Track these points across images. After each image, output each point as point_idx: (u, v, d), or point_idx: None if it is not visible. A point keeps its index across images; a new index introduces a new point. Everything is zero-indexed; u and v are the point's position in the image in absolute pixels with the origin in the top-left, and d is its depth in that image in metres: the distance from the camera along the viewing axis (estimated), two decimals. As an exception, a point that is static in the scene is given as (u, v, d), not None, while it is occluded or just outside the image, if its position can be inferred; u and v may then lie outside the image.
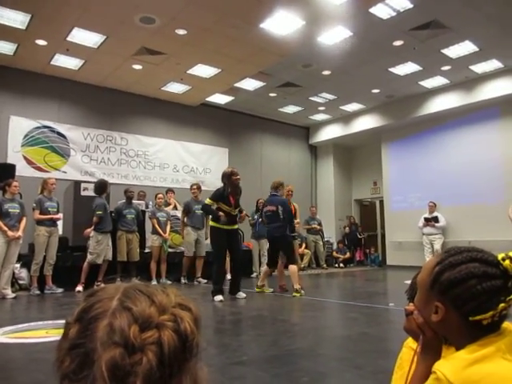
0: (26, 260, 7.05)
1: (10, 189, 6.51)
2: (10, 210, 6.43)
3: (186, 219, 8.21)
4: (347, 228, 13.48)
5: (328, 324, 4.63)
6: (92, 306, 0.55)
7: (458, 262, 0.92)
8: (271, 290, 6.83)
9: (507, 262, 0.89)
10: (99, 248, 7.08)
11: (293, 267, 6.39)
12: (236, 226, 6.23)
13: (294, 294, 6.21)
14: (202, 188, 10.25)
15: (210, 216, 6.33)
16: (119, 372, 0.49)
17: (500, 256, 0.91)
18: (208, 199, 6.20)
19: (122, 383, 0.49)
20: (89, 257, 7.06)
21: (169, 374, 0.51)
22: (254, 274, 9.20)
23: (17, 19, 7.31)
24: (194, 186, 8.51)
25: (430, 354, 0.95)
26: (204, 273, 8.16)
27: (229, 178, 6.07)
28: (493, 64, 9.64)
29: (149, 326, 0.52)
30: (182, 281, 8.07)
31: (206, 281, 8.05)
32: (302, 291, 6.29)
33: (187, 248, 8.11)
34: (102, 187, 7.38)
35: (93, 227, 7.10)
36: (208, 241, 8.79)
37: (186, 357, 0.53)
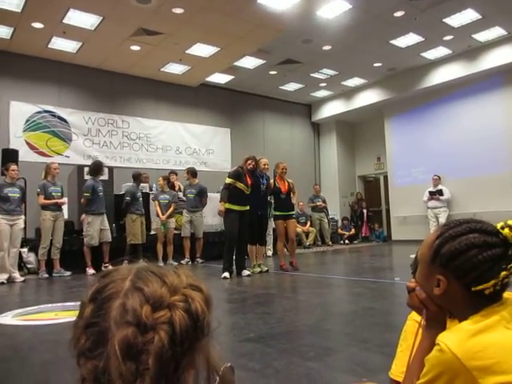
0: (33, 244, 7.15)
1: (8, 173, 6.54)
2: (9, 195, 6.45)
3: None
4: (356, 205, 13.49)
5: (334, 300, 4.67)
6: (105, 287, 0.57)
7: (458, 233, 0.93)
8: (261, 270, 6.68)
9: (506, 230, 0.90)
10: (92, 230, 7.12)
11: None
12: (248, 207, 6.32)
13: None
14: (205, 169, 10.22)
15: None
16: (132, 350, 0.51)
17: (499, 225, 0.92)
18: (228, 178, 6.33)
19: (135, 361, 0.51)
20: (84, 240, 7.15)
21: (180, 353, 0.52)
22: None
23: (12, 2, 7.22)
24: (185, 172, 8.70)
25: (434, 327, 0.96)
26: (203, 253, 8.42)
27: (244, 162, 6.42)
28: (496, 31, 9.45)
29: (160, 305, 0.54)
30: (184, 262, 8.17)
31: (202, 261, 8.33)
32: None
33: (182, 229, 8.31)
34: (95, 169, 7.39)
35: (85, 210, 7.17)
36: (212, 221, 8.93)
37: (198, 336, 0.54)
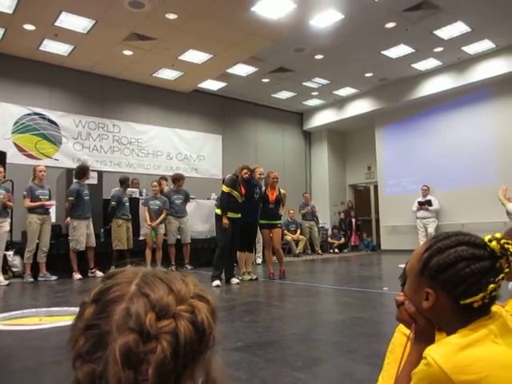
0: (19, 247, 7.06)
1: None
2: None
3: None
4: (342, 214, 13.51)
5: (322, 309, 4.65)
6: (110, 289, 0.55)
7: (447, 246, 0.92)
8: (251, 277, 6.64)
9: (494, 243, 0.90)
10: (77, 234, 7.05)
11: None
12: (239, 215, 6.31)
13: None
14: (196, 175, 10.15)
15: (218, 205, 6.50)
16: (132, 358, 0.49)
17: (487, 238, 0.92)
18: (225, 186, 6.29)
19: (135, 369, 0.49)
20: (70, 244, 7.08)
21: (182, 365, 0.51)
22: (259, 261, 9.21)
23: (4, 3, 7.17)
24: (175, 177, 8.58)
25: (422, 341, 0.95)
26: (191, 259, 8.34)
27: (240, 171, 6.41)
28: (485, 44, 9.59)
29: (165, 314, 0.52)
30: (170, 268, 8.10)
31: (191, 267, 8.21)
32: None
33: (169, 236, 8.18)
34: (80, 172, 7.31)
35: (70, 214, 7.10)
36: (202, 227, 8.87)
37: (201, 349, 0.53)
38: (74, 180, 7.32)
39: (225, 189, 6.27)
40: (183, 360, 0.50)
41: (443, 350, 0.84)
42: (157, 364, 0.49)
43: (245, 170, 6.39)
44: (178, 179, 8.43)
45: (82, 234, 7.08)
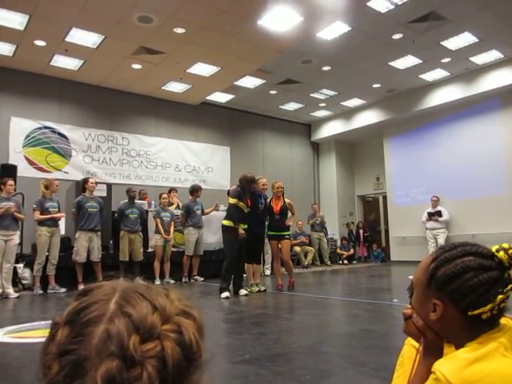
0: (28, 260, 7.10)
1: (5, 188, 6.52)
2: None
3: (187, 219, 8.26)
4: (352, 224, 13.47)
5: (331, 321, 4.61)
6: (86, 308, 0.50)
7: (453, 256, 0.91)
8: (260, 288, 6.60)
9: (501, 253, 0.89)
10: (77, 245, 7.07)
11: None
12: (246, 226, 6.31)
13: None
14: (205, 187, 10.18)
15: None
16: None
17: (494, 248, 0.91)
18: (232, 198, 6.29)
19: None
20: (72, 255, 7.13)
21: None
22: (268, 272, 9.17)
23: (15, 20, 7.30)
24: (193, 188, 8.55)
25: (431, 355, 0.94)
26: (200, 271, 8.35)
27: (249, 183, 6.36)
28: (493, 54, 9.57)
29: (150, 336, 0.47)
30: (183, 280, 8.11)
31: (202, 279, 8.24)
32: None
33: (188, 247, 8.16)
34: (82, 185, 7.43)
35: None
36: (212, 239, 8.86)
37: (190, 371, 0.49)
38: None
39: (231, 201, 6.28)
40: None
41: (452, 365, 0.82)
42: None
43: (252, 184, 6.38)
44: (196, 190, 8.43)
45: (83, 245, 7.07)
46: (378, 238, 13.76)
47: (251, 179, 6.37)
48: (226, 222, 6.32)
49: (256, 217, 6.46)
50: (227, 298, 5.87)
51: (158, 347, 0.47)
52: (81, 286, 6.94)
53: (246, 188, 6.32)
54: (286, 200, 6.82)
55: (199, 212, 8.29)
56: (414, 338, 1.00)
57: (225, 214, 6.61)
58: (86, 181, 7.42)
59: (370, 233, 13.39)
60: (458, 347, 0.89)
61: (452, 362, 0.83)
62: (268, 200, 6.78)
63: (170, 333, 0.48)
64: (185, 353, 0.48)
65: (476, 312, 0.86)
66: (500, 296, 0.86)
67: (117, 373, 0.44)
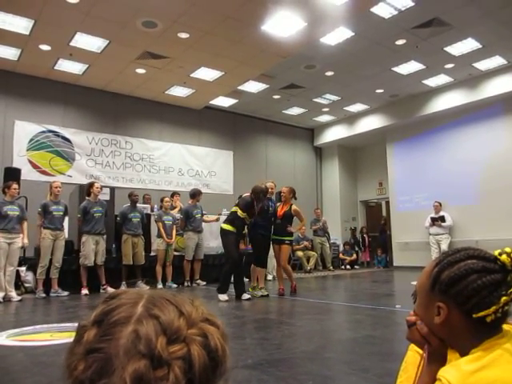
0: (31, 263, 7.10)
1: (9, 191, 6.54)
2: (9, 213, 6.43)
3: (187, 224, 8.28)
4: (357, 230, 13.45)
5: (334, 327, 4.59)
6: (114, 310, 0.51)
7: (457, 259, 0.92)
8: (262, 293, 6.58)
9: (504, 256, 0.89)
10: (85, 250, 7.09)
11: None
12: (245, 231, 6.40)
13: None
14: (207, 191, 10.21)
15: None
16: None
17: (496, 252, 0.91)
18: (240, 211, 6.25)
19: None
20: (80, 259, 7.13)
21: None
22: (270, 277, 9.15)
23: (20, 25, 7.36)
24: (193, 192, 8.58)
25: (435, 361, 0.93)
26: (201, 275, 8.35)
27: (264, 195, 6.30)
28: (496, 60, 9.58)
29: (177, 338, 0.48)
30: (186, 284, 8.10)
31: (204, 283, 8.23)
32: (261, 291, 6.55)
33: (188, 252, 8.16)
34: (86, 190, 7.45)
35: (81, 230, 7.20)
36: (211, 244, 8.85)
37: (216, 375, 0.50)
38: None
39: (241, 214, 6.24)
40: None
41: (458, 372, 0.82)
42: None
43: (270, 185, 6.52)
44: (197, 194, 8.44)
45: (91, 249, 7.11)
46: (388, 242, 13.51)
47: (266, 191, 6.36)
48: (227, 227, 6.29)
49: (265, 220, 6.48)
50: (226, 301, 5.89)
51: (184, 349, 0.48)
52: (84, 290, 6.95)
53: (260, 199, 6.28)
54: (293, 207, 6.76)
55: (199, 216, 8.30)
56: (418, 346, 0.99)
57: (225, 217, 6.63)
58: (91, 185, 7.43)
59: (379, 237, 13.26)
60: (462, 353, 0.88)
61: (457, 369, 0.83)
62: (278, 204, 6.81)
63: (196, 336, 0.49)
64: (211, 357, 0.49)
65: (480, 314, 0.86)
66: (504, 298, 0.86)
67: (145, 372, 0.45)
